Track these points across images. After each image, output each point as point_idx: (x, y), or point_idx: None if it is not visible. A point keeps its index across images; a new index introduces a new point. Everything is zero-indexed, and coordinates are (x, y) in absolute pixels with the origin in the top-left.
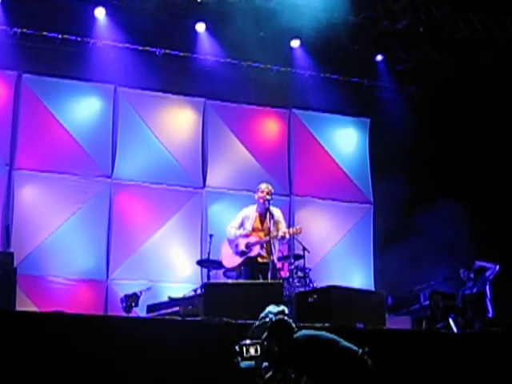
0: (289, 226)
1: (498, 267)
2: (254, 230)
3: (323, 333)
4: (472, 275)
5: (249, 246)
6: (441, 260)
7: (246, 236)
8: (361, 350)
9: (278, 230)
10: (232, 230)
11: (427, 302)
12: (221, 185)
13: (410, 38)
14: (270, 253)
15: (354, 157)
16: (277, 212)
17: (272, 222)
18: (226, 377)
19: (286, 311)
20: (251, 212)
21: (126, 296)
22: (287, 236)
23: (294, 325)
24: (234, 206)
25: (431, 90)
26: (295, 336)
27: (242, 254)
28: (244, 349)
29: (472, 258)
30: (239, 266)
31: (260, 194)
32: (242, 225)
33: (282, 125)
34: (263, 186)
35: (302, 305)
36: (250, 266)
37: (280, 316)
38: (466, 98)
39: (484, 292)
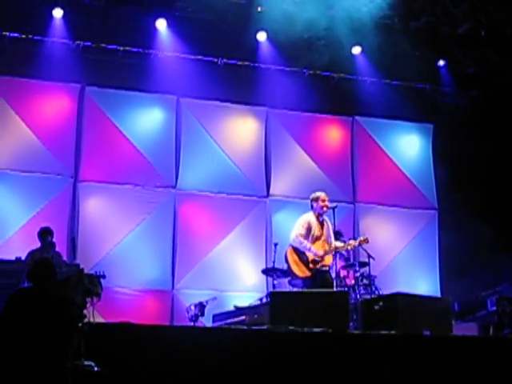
0: (354, 234)
1: None
2: (317, 238)
3: None
4: None
5: (320, 257)
6: (508, 266)
7: (312, 247)
8: None
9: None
10: (302, 238)
11: (494, 308)
12: (285, 193)
13: (471, 42)
14: (334, 262)
15: (418, 163)
16: (329, 220)
17: (330, 231)
18: None
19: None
20: (313, 220)
21: (191, 306)
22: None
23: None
24: (298, 215)
25: (494, 94)
26: None
27: (312, 264)
28: None
29: None
30: (310, 276)
31: (321, 203)
32: (309, 233)
33: (344, 132)
34: (322, 194)
35: (367, 312)
36: (319, 275)
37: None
38: None
39: None
